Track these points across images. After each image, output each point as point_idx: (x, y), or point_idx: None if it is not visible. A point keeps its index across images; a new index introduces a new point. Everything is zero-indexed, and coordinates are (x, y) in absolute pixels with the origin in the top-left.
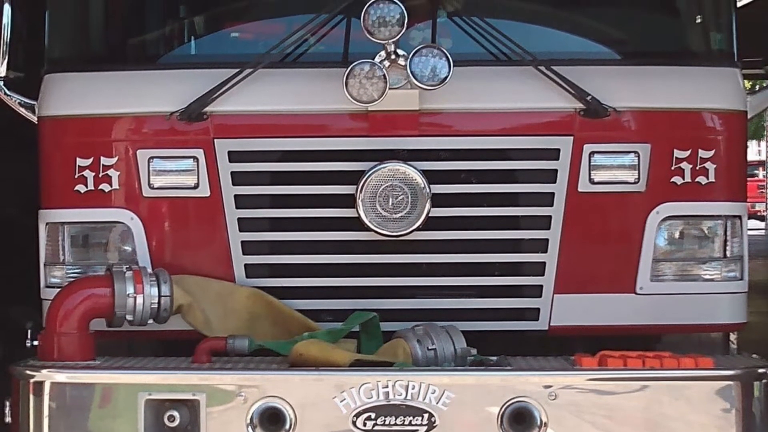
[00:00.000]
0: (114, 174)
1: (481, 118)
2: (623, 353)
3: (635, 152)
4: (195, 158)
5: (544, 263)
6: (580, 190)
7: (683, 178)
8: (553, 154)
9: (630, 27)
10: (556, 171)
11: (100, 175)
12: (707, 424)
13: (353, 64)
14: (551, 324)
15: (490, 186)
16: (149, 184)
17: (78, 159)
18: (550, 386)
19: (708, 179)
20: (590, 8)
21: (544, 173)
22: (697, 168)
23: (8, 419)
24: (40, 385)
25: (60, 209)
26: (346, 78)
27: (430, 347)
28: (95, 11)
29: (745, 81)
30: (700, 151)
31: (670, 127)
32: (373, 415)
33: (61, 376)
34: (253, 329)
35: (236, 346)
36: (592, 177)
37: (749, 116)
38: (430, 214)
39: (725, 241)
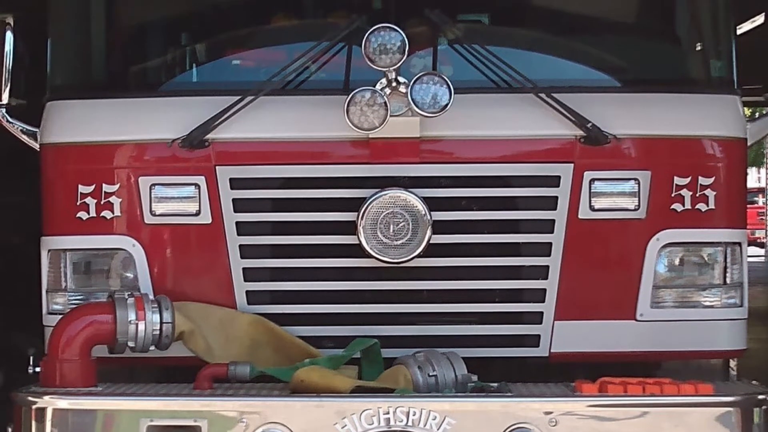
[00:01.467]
0: (116, 201)
1: (482, 145)
2: (623, 379)
3: (635, 179)
4: (196, 185)
5: (544, 290)
6: (580, 217)
7: (683, 205)
8: (554, 181)
9: (630, 54)
10: (556, 198)
11: (102, 202)
12: None
13: (354, 91)
14: (552, 350)
15: (490, 213)
16: (151, 211)
17: (80, 186)
18: (550, 412)
19: (708, 206)
20: (590, 36)
21: (544, 200)
22: (697, 195)
23: None
24: (42, 411)
25: (62, 236)
26: (348, 105)
27: (431, 374)
28: (97, 39)
29: (745, 108)
30: (700, 178)
31: (671, 154)
32: None
33: (64, 403)
34: (254, 356)
35: (238, 373)
36: (592, 204)
37: (749, 143)
38: (431, 241)
39: (725, 268)
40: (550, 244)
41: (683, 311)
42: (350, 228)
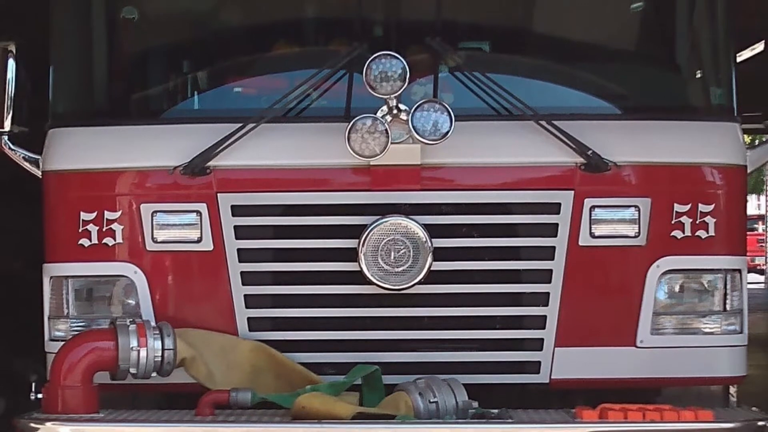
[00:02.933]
0: (118, 228)
1: (483, 173)
2: (624, 406)
3: (636, 206)
4: (198, 212)
5: (545, 317)
6: (580, 244)
7: (683, 232)
8: (554, 208)
9: (630, 82)
10: (557, 225)
11: (103, 229)
12: None
13: (355, 118)
14: (552, 377)
15: (491, 240)
16: (153, 238)
17: (82, 213)
18: None
19: (708, 233)
20: (591, 63)
21: (545, 227)
22: (697, 222)
23: None
24: None
25: (64, 263)
26: (349, 133)
27: (431, 400)
28: (99, 67)
29: (745, 135)
30: (700, 205)
31: (671, 182)
32: None
33: (66, 429)
34: (255, 382)
35: (239, 399)
36: (592, 231)
37: (749, 170)
38: (431, 268)
39: (725, 294)
40: (551, 270)
41: (683, 338)
42: (351, 255)
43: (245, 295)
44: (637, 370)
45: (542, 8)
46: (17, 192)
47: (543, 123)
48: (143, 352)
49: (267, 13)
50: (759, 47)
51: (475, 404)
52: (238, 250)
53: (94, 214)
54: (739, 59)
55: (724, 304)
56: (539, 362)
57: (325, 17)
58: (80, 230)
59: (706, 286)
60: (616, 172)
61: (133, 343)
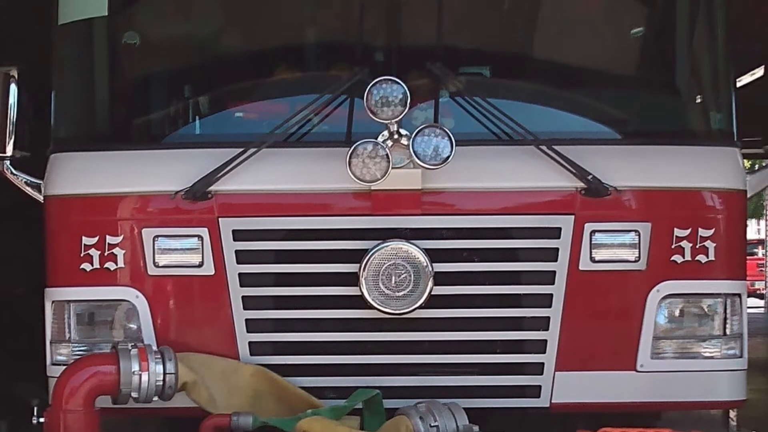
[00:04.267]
0: (119, 252)
1: (483, 197)
2: (624, 430)
3: (636, 231)
4: (199, 237)
5: (545, 341)
6: (581, 268)
7: (683, 257)
8: (555, 232)
9: (630, 107)
10: (557, 249)
11: (105, 254)
12: None
13: (356, 143)
14: (552, 401)
15: (492, 264)
16: (154, 262)
17: (84, 237)
18: None
19: (708, 258)
20: (591, 88)
21: (545, 252)
22: (697, 246)
23: None
24: None
25: (66, 287)
26: (350, 157)
27: (432, 424)
28: (100, 92)
29: (745, 160)
30: (700, 229)
31: (671, 206)
32: None
33: None
34: (257, 406)
35: (240, 423)
36: (593, 255)
37: (749, 195)
38: (432, 293)
39: (725, 319)
40: (551, 295)
41: (683, 362)
42: (352, 279)
43: (246, 320)
44: (637, 394)
45: (542, 33)
46: (19, 217)
47: (543, 148)
48: (145, 377)
49: (268, 39)
50: (759, 72)
51: (476, 428)
52: (240, 274)
53: (96, 239)
54: (739, 84)
55: (724, 328)
56: (539, 386)
57: (326, 42)
58: (82, 255)
59: (706, 310)
60: (616, 197)
61: (135, 367)
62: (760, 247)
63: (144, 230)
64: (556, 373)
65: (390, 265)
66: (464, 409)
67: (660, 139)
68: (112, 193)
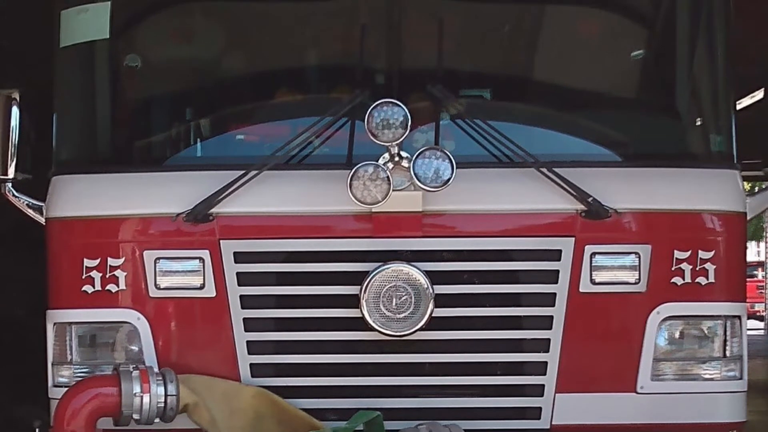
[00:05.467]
0: (121, 275)
1: (484, 220)
2: None
3: (636, 253)
4: (201, 259)
5: (545, 363)
6: (581, 290)
7: (683, 279)
8: (555, 255)
9: (630, 129)
10: (557, 272)
11: (107, 276)
12: None
13: (357, 166)
14: (553, 423)
15: (492, 286)
16: (156, 284)
17: (85, 260)
18: None
19: (708, 280)
20: (591, 111)
21: (546, 274)
22: (697, 269)
23: None
24: None
25: (67, 309)
26: (350, 180)
27: None
28: (102, 114)
29: (745, 182)
30: (700, 251)
31: (671, 229)
32: None
33: None
34: (258, 428)
35: None
36: (593, 277)
37: (749, 217)
38: (433, 314)
39: (725, 341)
40: (552, 317)
41: (683, 384)
42: (353, 301)
43: (248, 341)
44: (637, 415)
45: (543, 56)
46: (21, 239)
47: (544, 170)
48: (146, 398)
49: (269, 61)
50: (759, 95)
51: None
52: (241, 296)
53: (98, 261)
54: (738, 107)
55: (724, 350)
56: (540, 408)
57: (327, 65)
58: (83, 277)
59: (706, 332)
60: (616, 219)
61: (136, 389)
62: (759, 269)
63: (145, 252)
64: (557, 394)
65: (391, 287)
66: (465, 430)
67: (660, 162)
68: (113, 215)
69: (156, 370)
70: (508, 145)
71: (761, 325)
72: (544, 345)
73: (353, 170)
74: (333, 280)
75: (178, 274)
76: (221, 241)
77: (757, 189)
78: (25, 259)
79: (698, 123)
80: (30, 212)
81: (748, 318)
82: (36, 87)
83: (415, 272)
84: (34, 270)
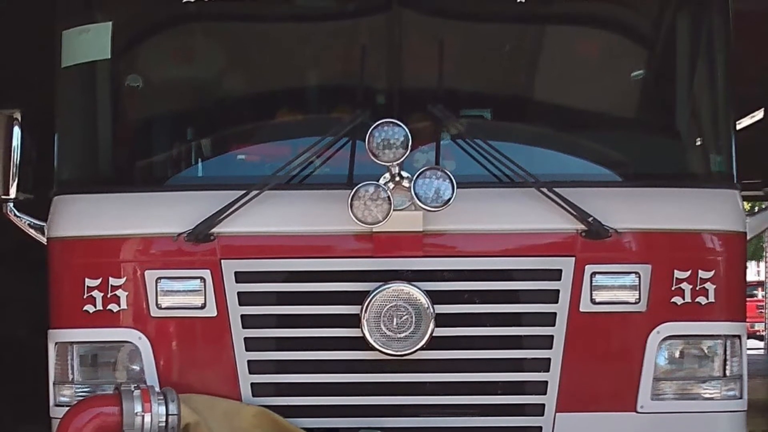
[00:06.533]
0: (122, 294)
1: (484, 239)
2: None
3: (636, 273)
4: (202, 278)
5: (546, 382)
6: (581, 310)
7: (683, 299)
8: (555, 274)
9: (631, 149)
10: (558, 291)
11: (108, 296)
12: None
13: (358, 186)
14: None
15: (493, 306)
16: (157, 304)
17: (87, 279)
18: None
19: (708, 299)
20: (591, 131)
21: (546, 293)
22: (697, 288)
23: None
24: None
25: (69, 329)
26: (351, 200)
27: None
28: (103, 134)
29: (745, 202)
30: (700, 271)
31: (671, 248)
32: None
33: None
34: None
35: None
36: (593, 297)
37: (748, 237)
38: (433, 334)
39: (725, 360)
40: (552, 336)
41: (683, 403)
42: (354, 321)
43: (249, 361)
44: None
45: (543, 76)
46: (22, 259)
47: (544, 190)
48: (147, 418)
49: (270, 81)
50: (759, 115)
51: None
52: (242, 316)
53: (99, 281)
54: (738, 127)
55: (724, 369)
56: (540, 427)
57: (328, 85)
58: (85, 296)
59: (706, 351)
60: (616, 239)
61: (138, 408)
62: (759, 288)
63: (147, 272)
64: (557, 414)
65: (391, 306)
66: None
67: (660, 182)
68: (114, 235)
69: (157, 389)
70: (508, 165)
71: (761, 344)
72: (544, 364)
73: (354, 190)
74: (334, 299)
75: (179, 293)
76: (222, 260)
77: (757, 209)
78: (26, 279)
79: (698, 143)
80: (31, 232)
81: (748, 337)
82: (37, 107)
83: (415, 292)
84: (35, 289)
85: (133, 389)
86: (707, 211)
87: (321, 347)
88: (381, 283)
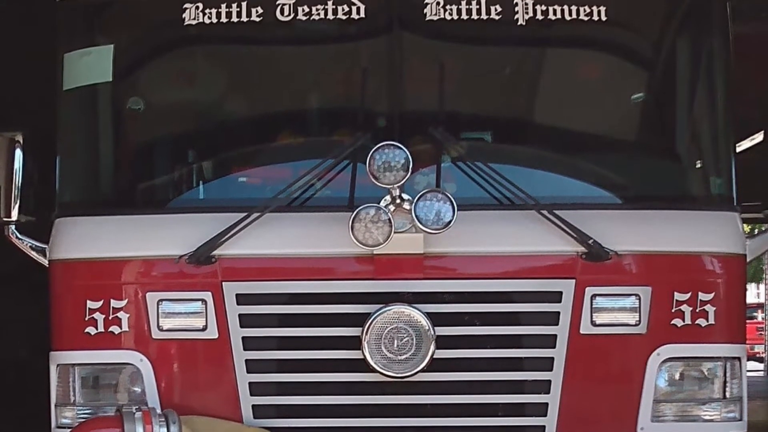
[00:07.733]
0: (124, 316)
1: (485, 262)
2: None
3: (636, 295)
4: (203, 301)
5: (546, 404)
6: (582, 332)
7: (683, 321)
8: (556, 296)
9: (631, 172)
10: (558, 313)
11: (110, 318)
12: None
13: (359, 208)
14: None
15: (493, 328)
16: (158, 326)
17: (88, 301)
18: None
19: (708, 321)
20: (591, 154)
21: (546, 316)
22: (697, 310)
23: None
24: None
25: (71, 351)
26: (352, 222)
27: None
28: (105, 157)
29: (745, 225)
30: (700, 293)
31: (671, 271)
32: None
33: None
34: None
35: None
36: (593, 319)
37: (748, 259)
38: (434, 356)
39: (725, 382)
40: (552, 358)
41: (683, 425)
42: (355, 343)
43: (250, 383)
44: None
45: (543, 99)
46: (24, 281)
47: (544, 212)
48: None
49: (271, 104)
50: (758, 137)
51: None
52: (243, 338)
53: (101, 303)
54: (738, 149)
55: (724, 391)
56: None
57: (329, 108)
58: (86, 318)
59: (706, 373)
60: (617, 261)
61: (139, 430)
62: (759, 310)
63: (148, 294)
64: None
65: (392, 328)
66: None
67: (660, 204)
68: (116, 257)
69: (159, 411)
70: (508, 187)
71: (761, 366)
72: (544, 386)
73: (355, 212)
74: (335, 321)
75: (180, 315)
76: (224, 283)
77: (756, 231)
78: (27, 301)
79: (698, 165)
80: (33, 254)
81: (748, 359)
82: (39, 130)
83: (416, 314)
84: (36, 311)
85: (134, 411)
86: (707, 234)
87: (322, 369)
88: (382, 305)
